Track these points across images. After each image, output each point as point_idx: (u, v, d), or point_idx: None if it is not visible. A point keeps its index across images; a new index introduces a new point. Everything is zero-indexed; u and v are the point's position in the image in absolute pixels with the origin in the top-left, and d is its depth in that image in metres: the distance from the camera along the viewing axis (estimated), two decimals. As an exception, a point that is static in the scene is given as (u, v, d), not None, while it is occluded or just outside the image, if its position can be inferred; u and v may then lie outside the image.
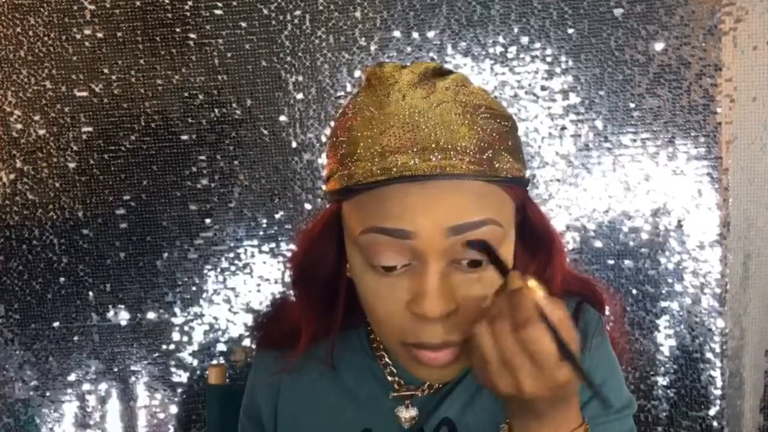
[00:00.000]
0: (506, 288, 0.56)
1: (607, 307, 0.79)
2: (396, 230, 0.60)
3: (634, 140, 1.23)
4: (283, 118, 1.27)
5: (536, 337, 0.52)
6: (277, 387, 0.80)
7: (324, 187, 0.69)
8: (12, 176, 1.29)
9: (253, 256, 1.30)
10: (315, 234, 0.70)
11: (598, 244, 1.26)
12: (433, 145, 0.60)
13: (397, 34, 1.24)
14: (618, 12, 1.21)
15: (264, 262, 1.30)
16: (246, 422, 0.84)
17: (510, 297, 0.55)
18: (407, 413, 0.72)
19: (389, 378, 0.74)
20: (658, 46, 1.21)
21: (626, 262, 1.27)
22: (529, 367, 0.53)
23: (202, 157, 1.28)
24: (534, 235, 0.70)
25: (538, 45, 1.23)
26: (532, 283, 0.56)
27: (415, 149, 0.60)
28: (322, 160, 1.27)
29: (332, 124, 1.25)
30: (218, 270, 1.31)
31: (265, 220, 1.29)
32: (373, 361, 0.76)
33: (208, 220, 1.29)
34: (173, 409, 1.35)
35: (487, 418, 0.71)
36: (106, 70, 1.26)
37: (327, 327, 0.74)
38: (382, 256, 0.61)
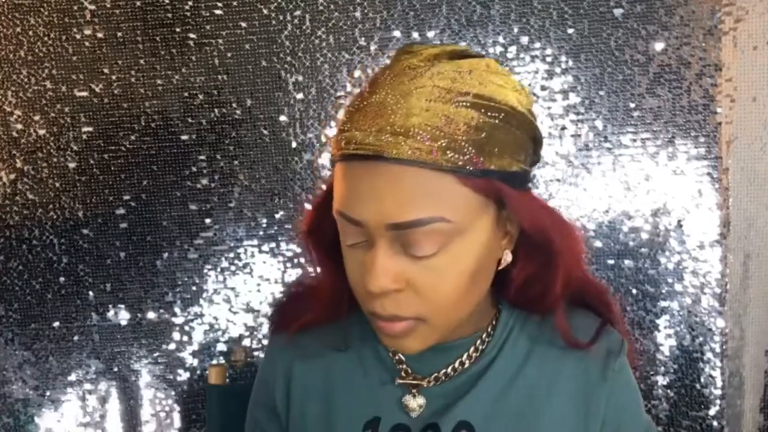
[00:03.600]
0: None
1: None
2: (349, 217, 0.63)
3: (634, 140, 1.23)
4: (283, 118, 1.27)
5: None
6: (290, 370, 0.79)
7: None
8: (12, 176, 1.29)
9: (253, 256, 1.30)
10: (320, 202, 0.72)
11: (598, 244, 1.26)
12: (388, 127, 0.60)
13: (397, 34, 1.24)
14: (618, 12, 1.21)
15: (264, 262, 1.30)
16: (259, 415, 0.82)
17: None
18: (415, 402, 0.73)
19: (398, 366, 0.75)
20: (658, 46, 1.21)
21: (626, 262, 1.27)
22: None
23: (202, 157, 1.28)
24: (526, 235, 0.67)
25: (538, 45, 1.23)
26: None
27: (374, 129, 0.60)
28: (322, 160, 1.27)
29: (332, 124, 1.25)
30: (218, 270, 1.31)
31: (265, 220, 1.29)
32: (382, 348, 0.76)
33: (208, 220, 1.29)
34: (173, 409, 1.35)
35: (514, 423, 0.71)
36: (106, 70, 1.26)
37: (340, 299, 0.74)
38: (346, 236, 0.65)
